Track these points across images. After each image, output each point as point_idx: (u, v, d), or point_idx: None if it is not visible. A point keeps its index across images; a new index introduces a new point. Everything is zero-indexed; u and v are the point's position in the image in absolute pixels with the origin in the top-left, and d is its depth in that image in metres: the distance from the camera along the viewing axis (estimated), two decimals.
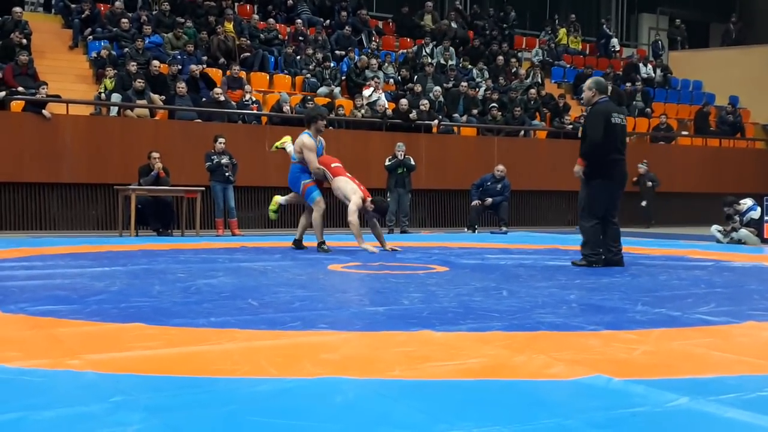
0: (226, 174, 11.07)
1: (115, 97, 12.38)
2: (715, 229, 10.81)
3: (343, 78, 15.51)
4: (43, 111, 11.42)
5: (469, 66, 17.83)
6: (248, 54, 15.12)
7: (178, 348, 3.07)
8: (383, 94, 14.87)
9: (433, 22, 19.19)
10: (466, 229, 13.15)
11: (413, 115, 14.03)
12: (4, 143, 11.11)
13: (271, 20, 16.60)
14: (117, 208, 11.28)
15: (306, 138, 8.13)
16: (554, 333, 3.47)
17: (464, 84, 16.23)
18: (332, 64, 15.70)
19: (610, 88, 18.46)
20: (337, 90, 14.99)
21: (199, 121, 12.72)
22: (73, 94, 12.51)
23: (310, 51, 15.62)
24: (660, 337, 3.37)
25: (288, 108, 13.20)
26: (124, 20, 14.60)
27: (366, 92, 14.59)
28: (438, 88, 15.44)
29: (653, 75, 20.93)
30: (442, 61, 17.61)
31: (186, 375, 2.63)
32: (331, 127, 13.72)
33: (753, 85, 20.51)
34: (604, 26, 22.74)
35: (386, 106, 14.24)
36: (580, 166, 6.76)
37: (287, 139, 8.80)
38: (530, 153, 15.09)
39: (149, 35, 14.41)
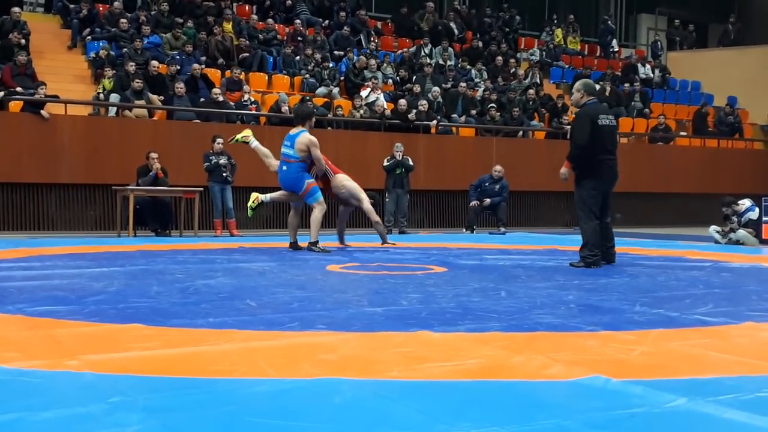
0: (225, 174, 11.07)
1: (114, 98, 12.37)
2: (713, 229, 10.81)
3: (342, 78, 15.51)
4: (42, 111, 11.40)
5: (468, 66, 17.84)
6: (247, 54, 15.12)
7: (176, 349, 3.07)
8: (382, 94, 14.86)
9: (427, 25, 19.10)
10: (464, 230, 13.16)
11: (412, 115, 14.03)
12: (3, 143, 11.10)
13: (270, 20, 16.59)
14: (115, 208, 11.27)
15: (311, 135, 8.15)
16: (552, 334, 3.47)
17: (463, 84, 16.23)
18: (331, 65, 15.70)
19: (608, 88, 18.42)
20: (335, 90, 14.99)
21: (198, 121, 12.72)
22: (71, 95, 12.50)
23: (308, 51, 15.61)
24: (658, 338, 3.38)
25: (287, 108, 13.19)
26: (123, 20, 14.59)
27: (363, 93, 14.59)
28: (437, 88, 15.44)
29: (652, 75, 20.94)
30: (441, 62, 17.61)
31: (184, 376, 2.63)
32: (329, 128, 13.74)
33: (751, 85, 20.52)
34: (609, 22, 22.74)
35: (385, 106, 14.24)
36: (566, 169, 6.91)
37: (248, 132, 8.68)
38: (529, 153, 15.09)
39: (148, 35, 14.41)
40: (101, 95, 12.51)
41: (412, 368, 2.75)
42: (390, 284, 5.26)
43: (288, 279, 5.53)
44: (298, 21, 16.76)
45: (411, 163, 12.51)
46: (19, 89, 11.65)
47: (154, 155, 10.82)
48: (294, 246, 8.30)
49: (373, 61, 15.80)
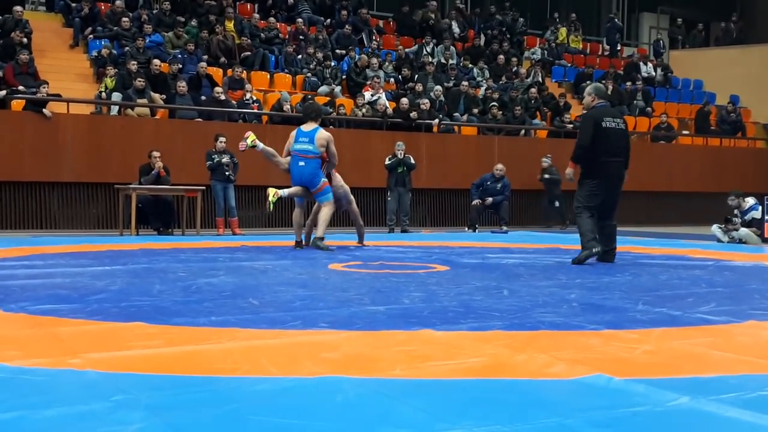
0: (227, 173, 11.07)
1: (116, 96, 12.38)
2: (716, 228, 10.81)
3: (344, 77, 15.51)
4: (44, 110, 11.41)
5: (470, 65, 17.83)
6: (249, 53, 15.12)
7: (178, 347, 3.07)
8: (384, 93, 14.86)
9: (429, 21, 19.08)
10: (466, 229, 13.16)
11: (414, 114, 14.02)
12: (5, 142, 11.12)
13: (272, 19, 16.60)
14: (117, 207, 11.28)
15: (326, 132, 8.20)
16: (555, 332, 3.47)
17: (465, 83, 16.22)
18: (333, 63, 15.70)
19: (610, 87, 18.40)
20: (337, 89, 14.99)
21: (200, 120, 12.72)
22: (73, 93, 12.50)
23: (310, 50, 15.61)
24: (661, 337, 3.37)
25: (288, 107, 13.20)
26: (125, 19, 14.60)
27: (367, 94, 14.58)
28: (439, 87, 15.43)
29: (654, 74, 20.91)
30: (443, 60, 17.60)
31: (187, 374, 2.63)
32: (331, 126, 13.73)
33: (754, 84, 20.50)
34: (615, 19, 22.71)
35: (387, 105, 14.23)
36: (571, 169, 7.11)
37: (253, 136, 8.41)
38: (531, 152, 15.08)
39: (150, 34, 14.42)
40: (103, 94, 12.51)
41: (415, 367, 2.75)
42: (392, 283, 5.26)
43: (290, 277, 5.53)
44: (299, 20, 16.77)
45: (412, 161, 12.51)
46: (21, 88, 11.67)
47: (156, 154, 10.83)
48: (299, 245, 8.30)
49: (374, 60, 15.80)
